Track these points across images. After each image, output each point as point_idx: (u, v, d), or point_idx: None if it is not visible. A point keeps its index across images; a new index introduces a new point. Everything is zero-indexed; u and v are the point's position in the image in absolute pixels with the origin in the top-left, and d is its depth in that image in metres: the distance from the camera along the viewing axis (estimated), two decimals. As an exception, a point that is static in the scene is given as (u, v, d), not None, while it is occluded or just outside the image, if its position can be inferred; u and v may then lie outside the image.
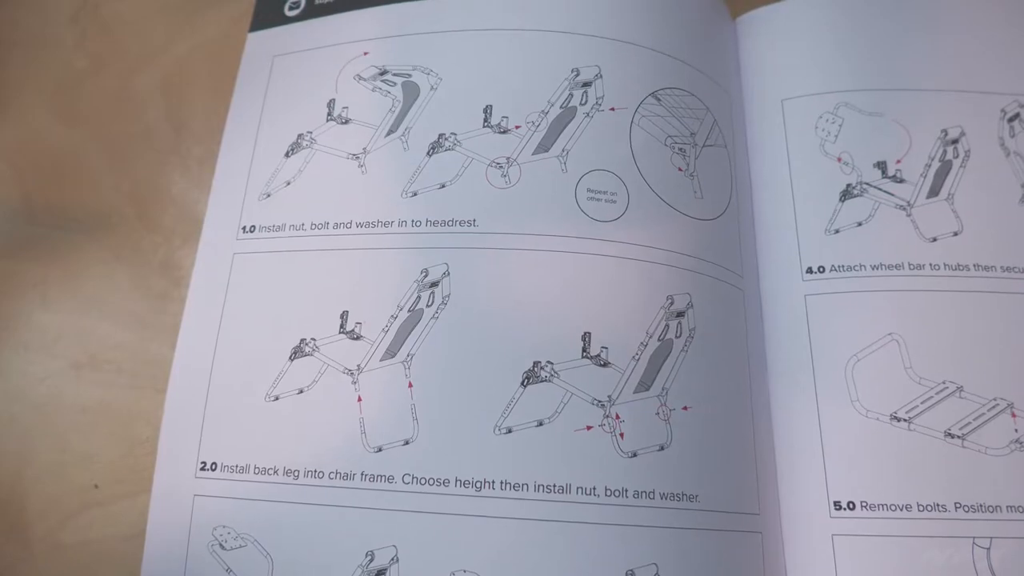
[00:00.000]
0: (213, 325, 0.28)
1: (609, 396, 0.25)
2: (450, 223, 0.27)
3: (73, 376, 0.31)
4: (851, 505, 0.27)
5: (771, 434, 0.28)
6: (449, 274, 0.27)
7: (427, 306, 0.26)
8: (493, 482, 0.24)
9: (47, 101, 0.37)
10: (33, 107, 0.37)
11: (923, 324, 0.28)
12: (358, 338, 0.27)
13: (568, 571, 0.23)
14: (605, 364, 0.26)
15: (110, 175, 0.35)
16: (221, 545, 0.26)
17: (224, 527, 0.26)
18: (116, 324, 0.32)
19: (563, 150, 0.28)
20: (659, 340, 0.26)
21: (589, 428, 0.25)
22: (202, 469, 0.27)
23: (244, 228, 0.30)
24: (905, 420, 0.27)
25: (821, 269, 0.30)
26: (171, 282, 0.32)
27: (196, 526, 0.26)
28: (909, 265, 0.29)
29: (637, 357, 0.26)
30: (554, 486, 0.24)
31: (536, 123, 0.28)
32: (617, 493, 0.24)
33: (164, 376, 0.30)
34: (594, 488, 0.24)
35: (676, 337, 0.26)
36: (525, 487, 0.24)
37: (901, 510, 0.26)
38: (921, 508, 0.26)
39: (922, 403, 0.28)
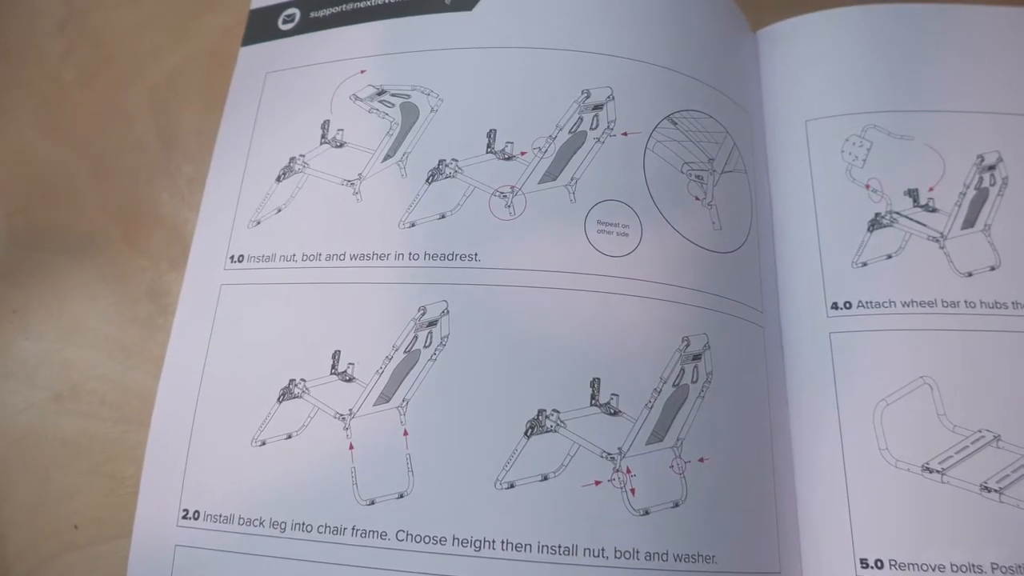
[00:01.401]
0: (198, 361, 0.27)
1: (619, 448, 0.23)
2: (450, 257, 0.25)
3: (54, 408, 0.30)
4: (879, 564, 0.25)
5: (793, 486, 0.26)
6: (448, 312, 0.25)
7: (424, 347, 0.25)
8: (493, 541, 0.23)
9: (31, 115, 0.35)
10: (16, 121, 0.35)
11: (958, 367, 0.26)
12: (351, 380, 0.25)
13: (574, 641, 0.22)
14: (615, 413, 0.24)
15: (96, 194, 0.33)
16: (203, 601, 0.24)
17: (206, 582, 0.24)
18: (100, 352, 0.30)
19: (572, 178, 0.26)
20: (674, 386, 0.24)
21: (598, 483, 0.23)
22: (184, 517, 0.25)
23: (232, 258, 0.28)
24: (938, 471, 0.25)
25: (847, 305, 0.28)
26: (158, 309, 0.30)
27: (177, 578, 0.25)
28: (942, 302, 0.27)
29: (650, 405, 0.24)
30: (559, 547, 0.22)
31: (543, 149, 0.27)
32: (628, 555, 0.22)
33: (149, 409, 0.28)
34: (603, 549, 0.22)
35: (692, 382, 0.25)
36: (528, 547, 0.22)
37: (933, 570, 0.24)
38: (955, 568, 0.24)
39: (956, 453, 0.26)
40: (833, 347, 0.27)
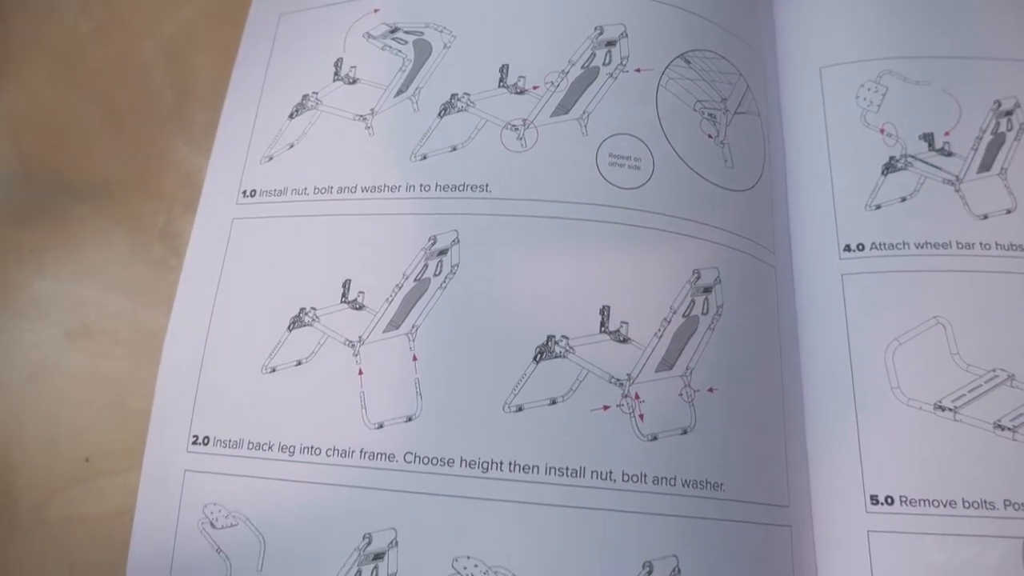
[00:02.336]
0: (210, 292, 0.27)
1: (628, 374, 0.23)
2: (461, 188, 0.25)
3: (67, 345, 0.30)
4: (889, 500, 0.25)
5: (802, 422, 0.26)
6: (459, 242, 0.25)
7: (434, 275, 0.25)
8: (501, 463, 0.23)
9: (49, 67, 0.35)
10: (33, 73, 0.35)
11: (972, 307, 0.26)
12: (360, 308, 0.25)
13: (580, 560, 0.22)
14: (625, 340, 0.24)
15: (111, 142, 0.33)
16: (212, 523, 0.24)
17: (215, 504, 0.24)
18: (113, 293, 0.30)
19: (584, 112, 0.26)
20: (684, 316, 0.24)
21: (606, 408, 0.23)
22: (194, 443, 0.25)
23: (244, 192, 0.28)
24: (950, 410, 0.25)
25: (860, 247, 0.28)
26: (170, 250, 0.31)
27: (186, 503, 0.25)
28: (957, 244, 0.27)
29: (659, 334, 0.24)
30: (567, 469, 0.22)
31: (555, 84, 0.27)
32: (635, 478, 0.22)
33: (161, 347, 0.28)
34: (610, 472, 0.22)
35: (703, 314, 0.24)
36: (535, 469, 0.22)
37: (945, 506, 0.24)
38: (967, 505, 0.24)
39: (969, 392, 0.25)
40: (845, 288, 0.27)
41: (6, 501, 0.28)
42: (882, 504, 0.25)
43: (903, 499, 0.25)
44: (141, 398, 0.28)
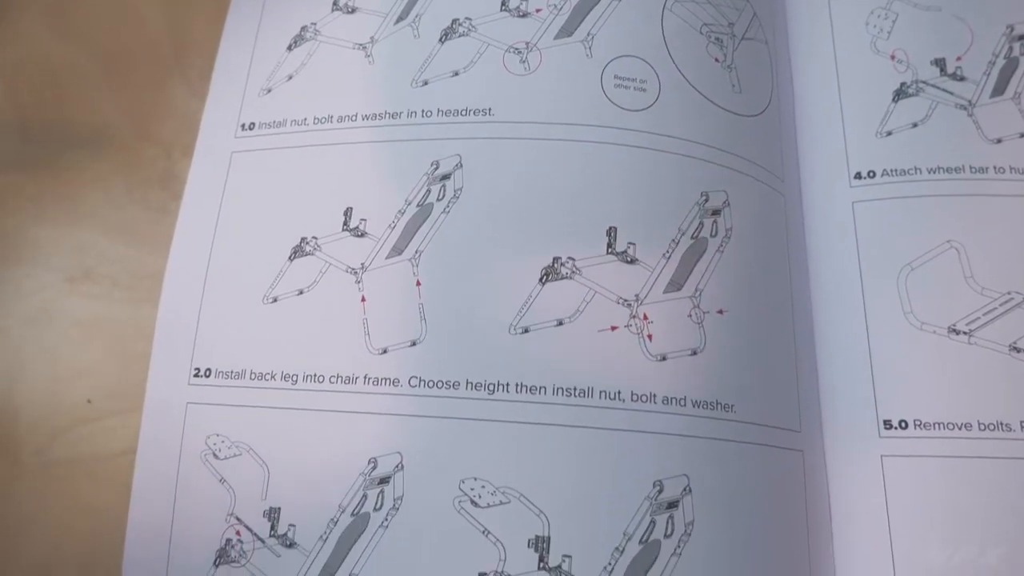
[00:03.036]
0: (209, 226, 0.26)
1: (636, 295, 0.23)
2: (463, 112, 0.25)
3: (67, 290, 0.29)
4: (903, 424, 0.24)
5: (813, 347, 0.25)
6: (462, 166, 0.24)
7: (437, 200, 0.24)
8: (507, 385, 0.22)
9: (44, 17, 0.35)
10: (29, 23, 0.35)
11: (985, 231, 0.26)
12: (363, 235, 0.25)
13: (589, 479, 0.21)
14: (632, 261, 0.23)
15: (108, 90, 0.33)
16: (214, 454, 0.24)
17: (218, 435, 0.24)
18: (113, 238, 0.30)
19: (588, 34, 0.25)
20: (692, 238, 0.24)
21: (614, 328, 0.22)
22: (195, 376, 0.25)
23: (243, 126, 0.27)
24: (965, 333, 0.25)
25: (871, 174, 0.27)
26: (170, 195, 0.30)
27: (189, 435, 0.24)
28: (970, 168, 0.26)
29: (668, 255, 0.23)
30: (574, 389, 0.22)
31: (558, 6, 0.26)
32: (644, 399, 0.22)
33: (162, 289, 0.28)
34: (619, 392, 0.22)
35: (711, 236, 0.24)
36: (542, 390, 0.22)
37: (960, 429, 0.24)
38: (982, 427, 0.24)
39: (984, 315, 0.25)
40: (856, 216, 0.27)
41: (8, 445, 0.28)
42: (896, 428, 0.24)
43: (917, 423, 0.24)
44: (142, 340, 0.28)
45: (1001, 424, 0.24)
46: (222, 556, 0.23)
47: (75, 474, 0.27)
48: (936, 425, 0.24)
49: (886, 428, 0.24)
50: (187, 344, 0.25)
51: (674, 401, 0.22)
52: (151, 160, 0.31)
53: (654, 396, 0.22)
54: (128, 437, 0.27)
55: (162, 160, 0.31)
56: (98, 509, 0.27)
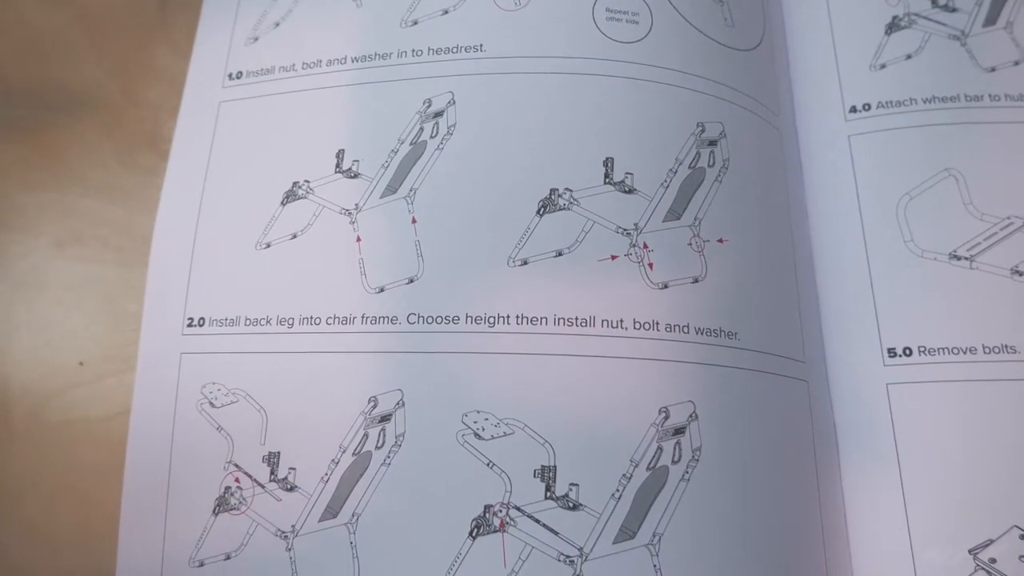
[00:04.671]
0: (198, 176, 0.26)
1: (635, 224, 0.23)
2: (454, 50, 0.24)
3: (56, 254, 0.29)
4: (907, 351, 0.24)
5: (814, 279, 0.25)
6: (454, 102, 0.24)
7: (431, 137, 0.24)
8: (508, 316, 0.22)
9: (25, -18, 0.34)
10: (10, -15, 0.34)
11: (983, 158, 0.25)
12: (356, 176, 0.24)
13: (594, 407, 0.21)
14: (630, 191, 0.23)
15: (92, 53, 0.32)
16: (211, 402, 0.23)
17: (213, 383, 0.24)
18: (102, 200, 0.30)
19: (578, -31, 0.25)
20: (690, 168, 0.23)
21: (614, 257, 0.22)
22: (189, 325, 0.24)
23: (231, 75, 0.27)
24: (966, 259, 0.25)
25: (866, 107, 0.27)
26: (158, 156, 0.30)
27: (184, 386, 0.24)
28: (966, 97, 0.26)
29: (666, 184, 0.23)
30: (576, 319, 0.22)
31: (547, -58, 0.26)
32: (647, 326, 0.22)
33: (151, 244, 0.27)
34: (621, 320, 0.22)
35: (709, 166, 0.24)
36: (543, 321, 0.22)
37: (965, 353, 0.24)
38: (987, 350, 0.24)
39: (985, 240, 0.25)
40: (852, 149, 0.26)
41: (0, 409, 0.27)
42: (900, 356, 0.24)
43: (922, 349, 0.24)
44: (134, 301, 0.27)
45: (1006, 347, 0.23)
46: (221, 504, 0.23)
47: (69, 437, 0.27)
48: (941, 351, 0.24)
49: (890, 356, 0.24)
50: (179, 294, 0.25)
51: (677, 328, 0.22)
52: (138, 122, 0.31)
53: (657, 324, 0.22)
54: (122, 398, 0.26)
55: (149, 122, 0.30)
56: (93, 470, 0.26)
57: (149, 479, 0.24)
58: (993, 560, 0.22)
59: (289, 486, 0.22)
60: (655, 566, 0.20)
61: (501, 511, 0.20)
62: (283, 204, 0.25)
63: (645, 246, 0.22)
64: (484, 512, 0.20)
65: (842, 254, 0.25)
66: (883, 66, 0.27)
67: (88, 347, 0.28)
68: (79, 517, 0.26)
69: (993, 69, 0.27)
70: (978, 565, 0.22)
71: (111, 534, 0.24)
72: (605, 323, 0.22)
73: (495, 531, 0.20)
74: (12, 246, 0.29)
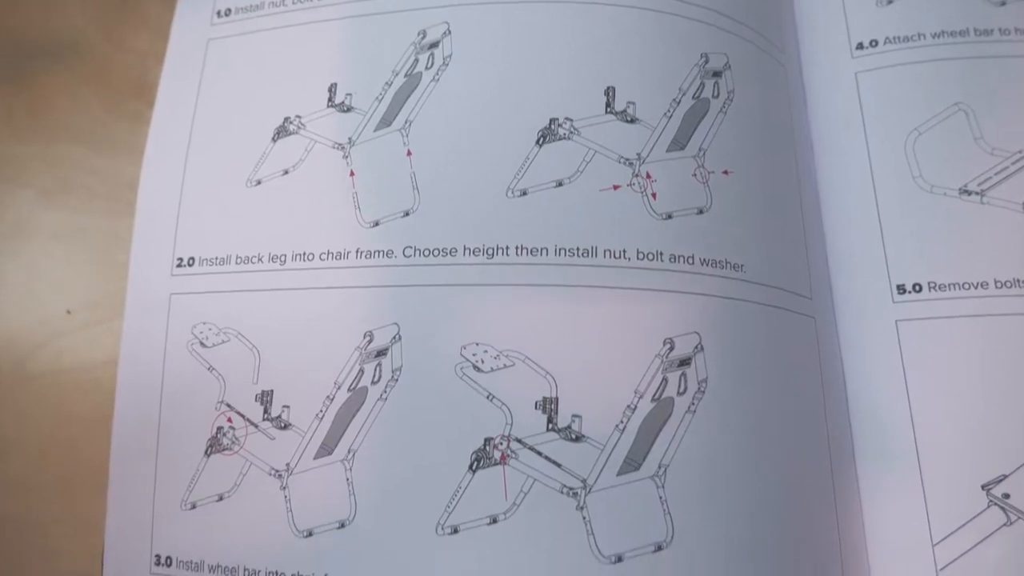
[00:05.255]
0: (186, 115, 0.25)
1: (638, 154, 0.22)
2: (449, -19, 0.24)
3: (43, 203, 0.28)
4: (917, 288, 0.23)
5: (820, 216, 0.24)
6: (450, 33, 0.23)
7: (426, 68, 0.23)
8: (507, 248, 0.21)
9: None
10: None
11: (994, 92, 0.25)
12: (349, 110, 0.23)
13: (596, 338, 0.20)
14: (633, 120, 0.22)
15: (76, 0, 0.31)
16: (201, 342, 0.23)
17: (204, 323, 0.23)
18: (88, 149, 0.29)
19: (577, -103, 0.24)
20: (694, 98, 0.23)
21: (616, 187, 0.21)
22: (178, 266, 0.24)
23: (219, 13, 0.26)
24: (976, 193, 0.24)
25: (874, 43, 0.26)
26: (146, 103, 0.29)
27: (173, 327, 0.23)
28: (975, 31, 0.26)
29: (669, 114, 0.22)
30: (577, 249, 0.21)
31: None
32: (651, 256, 0.21)
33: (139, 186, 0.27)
34: (624, 251, 0.21)
35: (713, 97, 0.23)
36: (543, 251, 0.21)
37: (976, 288, 0.23)
38: (999, 285, 0.23)
39: (996, 174, 0.24)
40: (860, 86, 0.26)
41: (-16, 357, 0.26)
42: (910, 293, 0.23)
43: (932, 285, 0.23)
44: (122, 250, 0.27)
45: (1018, 281, 0.23)
46: (213, 445, 0.22)
47: (57, 386, 0.26)
48: (951, 286, 0.23)
49: (900, 293, 0.24)
50: (168, 234, 0.24)
51: (682, 259, 0.21)
52: (124, 70, 0.30)
53: (661, 254, 0.21)
54: (111, 345, 0.25)
55: (136, 69, 0.30)
56: (82, 419, 0.25)
57: (139, 422, 0.23)
58: (1007, 495, 0.21)
59: (283, 424, 0.21)
60: (661, 497, 0.19)
61: (502, 444, 0.20)
62: (274, 141, 0.24)
63: (648, 176, 0.22)
64: (484, 445, 0.20)
65: (849, 191, 0.25)
66: (890, 1, 0.26)
67: (76, 295, 0.27)
68: (67, 467, 0.25)
69: (1003, 3, 0.26)
70: (991, 500, 0.21)
71: (100, 482, 0.24)
72: (607, 253, 0.21)
73: (495, 464, 0.20)
74: (0, 197, 0.29)
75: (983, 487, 0.21)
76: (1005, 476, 0.21)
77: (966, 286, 0.23)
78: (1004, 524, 0.21)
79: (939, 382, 0.23)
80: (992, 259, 0.23)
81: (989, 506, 0.21)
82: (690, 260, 0.21)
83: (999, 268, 0.23)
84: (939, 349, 0.23)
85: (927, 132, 0.25)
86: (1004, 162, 0.24)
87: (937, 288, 0.23)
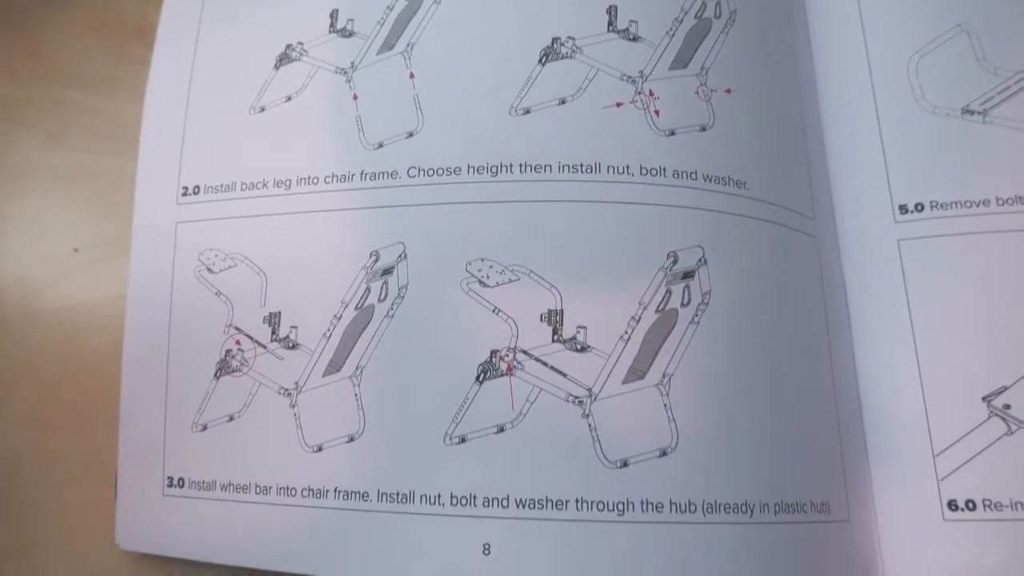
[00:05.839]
0: (188, 45, 0.25)
1: (641, 72, 0.22)
2: (450, -96, 0.24)
3: (47, 145, 0.28)
4: (919, 207, 0.24)
5: (822, 137, 0.24)
6: (451, -45, 0.23)
7: (427, -9, 0.23)
8: (511, 165, 0.21)
9: None
10: None
11: (996, 12, 0.25)
12: (351, 35, 0.23)
13: (600, 252, 0.20)
14: (635, 39, 0.22)
15: (75, -56, 0.31)
16: (208, 269, 0.23)
17: (211, 250, 0.23)
18: (91, 92, 0.29)
19: None
20: (696, 17, 0.23)
21: (619, 105, 0.21)
22: (184, 195, 0.24)
23: (219, -55, 0.26)
24: (979, 113, 0.24)
25: (875, -33, 0.26)
26: (146, 46, 0.29)
27: (180, 256, 0.23)
28: (977, -48, 0.25)
29: (671, 32, 0.22)
30: (581, 165, 0.21)
31: None
32: (654, 172, 0.21)
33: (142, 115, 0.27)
34: (627, 167, 0.21)
35: (715, 17, 0.23)
36: (548, 168, 0.21)
37: (978, 206, 0.23)
38: (1000, 202, 0.23)
39: (999, 94, 0.24)
40: (861, 7, 0.26)
41: (-8, 295, 0.27)
42: (912, 212, 0.24)
43: (934, 204, 0.23)
44: (127, 188, 0.27)
45: (1020, 198, 0.23)
46: (223, 367, 0.22)
47: (68, 322, 0.26)
48: (953, 205, 0.23)
49: (901, 213, 0.24)
50: (172, 164, 0.24)
51: (685, 175, 0.21)
52: (125, 15, 0.30)
53: (664, 170, 0.21)
54: (119, 281, 0.26)
55: (135, 13, 0.30)
56: (92, 353, 0.26)
57: (148, 349, 0.23)
58: (1007, 406, 0.22)
59: (291, 344, 0.22)
60: (665, 404, 0.19)
61: (508, 355, 0.20)
62: (276, 68, 0.24)
63: (651, 93, 0.22)
64: (490, 357, 0.20)
65: (852, 114, 0.25)
66: (891, -76, 0.26)
67: (82, 234, 0.27)
68: (79, 399, 0.25)
69: (1006, -76, 0.26)
70: (992, 412, 0.22)
71: (112, 413, 0.24)
72: (611, 169, 0.21)
73: (502, 375, 0.20)
74: (3, 139, 0.29)
75: (984, 399, 0.22)
76: (1006, 387, 0.22)
77: (968, 204, 0.23)
78: (1005, 434, 0.21)
79: (940, 299, 0.23)
80: (994, 177, 0.23)
81: (990, 417, 0.22)
82: (693, 176, 0.21)
83: (1001, 186, 0.23)
84: (940, 266, 0.23)
85: (930, 54, 0.25)
86: (1007, 82, 0.24)
87: (939, 207, 0.23)
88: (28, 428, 0.25)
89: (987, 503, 0.21)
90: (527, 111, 0.22)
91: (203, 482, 0.22)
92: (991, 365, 0.22)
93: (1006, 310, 0.22)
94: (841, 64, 0.25)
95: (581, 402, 0.20)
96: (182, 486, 0.22)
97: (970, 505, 0.21)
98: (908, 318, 0.23)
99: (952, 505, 0.21)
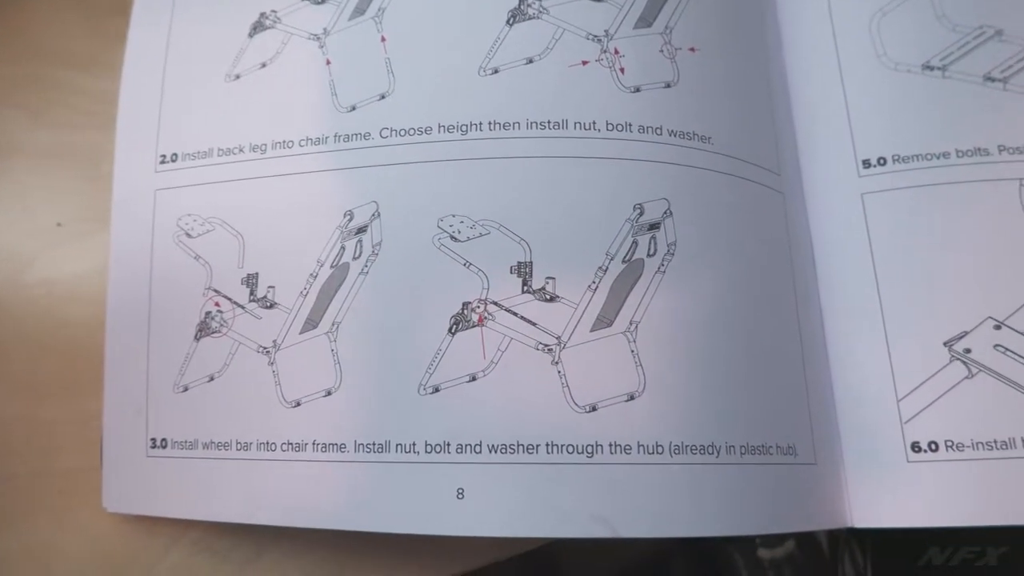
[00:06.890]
0: (164, 18, 0.25)
1: (606, 31, 0.22)
2: None
3: (30, 123, 0.29)
4: (881, 161, 0.24)
5: (787, 95, 0.25)
6: (419, -79, 0.24)
7: (396, -42, 0.23)
8: (480, 124, 0.22)
9: None
10: None
11: (956, -30, 0.25)
12: (323, 2, 0.24)
13: (568, 205, 0.21)
14: (600, -1, 0.23)
15: (51, -74, 0.32)
16: (187, 234, 0.23)
17: (189, 215, 0.23)
18: (71, 69, 0.29)
19: None
20: (659, -21, 0.23)
21: (585, 63, 0.22)
22: (162, 163, 0.24)
23: (192, -82, 0.27)
24: (939, 68, 0.24)
25: (838, -70, 0.27)
26: (125, 21, 0.29)
27: (159, 223, 0.24)
28: (937, -88, 0.26)
29: (635, -7, 0.23)
30: (548, 122, 0.21)
31: None
32: (620, 127, 0.22)
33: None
34: (594, 123, 0.21)
35: (678, -22, 0.23)
36: (516, 125, 0.22)
37: (938, 158, 0.24)
38: (960, 154, 0.24)
39: (958, 50, 0.25)
40: (824, -27, 0.26)
41: (-22, 272, 0.27)
42: (875, 166, 0.24)
43: (896, 158, 0.24)
44: (108, 162, 0.27)
45: (979, 150, 0.24)
46: (203, 329, 0.23)
47: (52, 295, 0.27)
48: (914, 158, 0.24)
49: (865, 167, 0.24)
50: (151, 133, 0.25)
51: (650, 130, 0.22)
52: (102, -9, 0.30)
53: (629, 125, 0.22)
54: (102, 253, 0.26)
55: (114, -10, 0.30)
56: (77, 323, 0.26)
57: (130, 315, 0.24)
58: (968, 350, 0.22)
59: (268, 304, 0.22)
60: (632, 351, 0.20)
61: (479, 307, 0.20)
62: (251, 36, 0.24)
63: (616, 52, 0.22)
64: (462, 309, 0.21)
65: (815, 71, 0.25)
66: None
67: (65, 209, 0.28)
68: (65, 369, 0.26)
69: None
70: (953, 356, 0.22)
71: (97, 382, 0.24)
72: (578, 125, 0.21)
73: (474, 326, 0.20)
74: (-19, 119, 0.29)
75: (945, 344, 0.22)
76: (966, 332, 0.22)
77: (928, 157, 0.24)
78: (966, 377, 0.22)
79: (903, 249, 0.23)
80: (953, 130, 0.24)
81: (951, 361, 0.22)
82: (658, 131, 0.22)
83: (960, 139, 0.24)
84: (903, 218, 0.23)
85: (891, 12, 0.25)
86: (965, 38, 0.25)
87: (901, 160, 0.24)
88: (18, 396, 0.26)
89: (949, 444, 0.22)
90: (495, 71, 0.22)
91: (186, 441, 0.22)
92: (952, 312, 0.23)
93: (965, 259, 0.23)
94: (805, 22, 0.26)
95: (551, 350, 0.20)
96: (165, 447, 0.23)
97: (933, 447, 0.22)
98: (872, 268, 0.23)
99: (915, 447, 0.22)
